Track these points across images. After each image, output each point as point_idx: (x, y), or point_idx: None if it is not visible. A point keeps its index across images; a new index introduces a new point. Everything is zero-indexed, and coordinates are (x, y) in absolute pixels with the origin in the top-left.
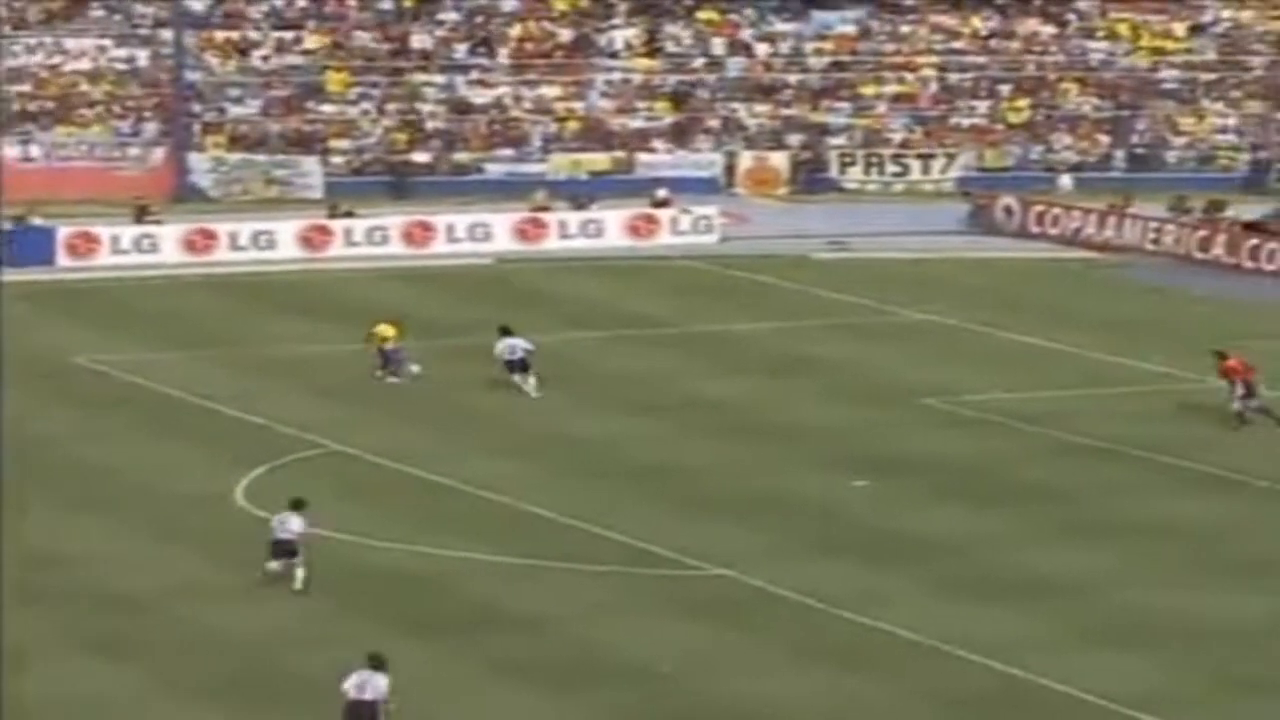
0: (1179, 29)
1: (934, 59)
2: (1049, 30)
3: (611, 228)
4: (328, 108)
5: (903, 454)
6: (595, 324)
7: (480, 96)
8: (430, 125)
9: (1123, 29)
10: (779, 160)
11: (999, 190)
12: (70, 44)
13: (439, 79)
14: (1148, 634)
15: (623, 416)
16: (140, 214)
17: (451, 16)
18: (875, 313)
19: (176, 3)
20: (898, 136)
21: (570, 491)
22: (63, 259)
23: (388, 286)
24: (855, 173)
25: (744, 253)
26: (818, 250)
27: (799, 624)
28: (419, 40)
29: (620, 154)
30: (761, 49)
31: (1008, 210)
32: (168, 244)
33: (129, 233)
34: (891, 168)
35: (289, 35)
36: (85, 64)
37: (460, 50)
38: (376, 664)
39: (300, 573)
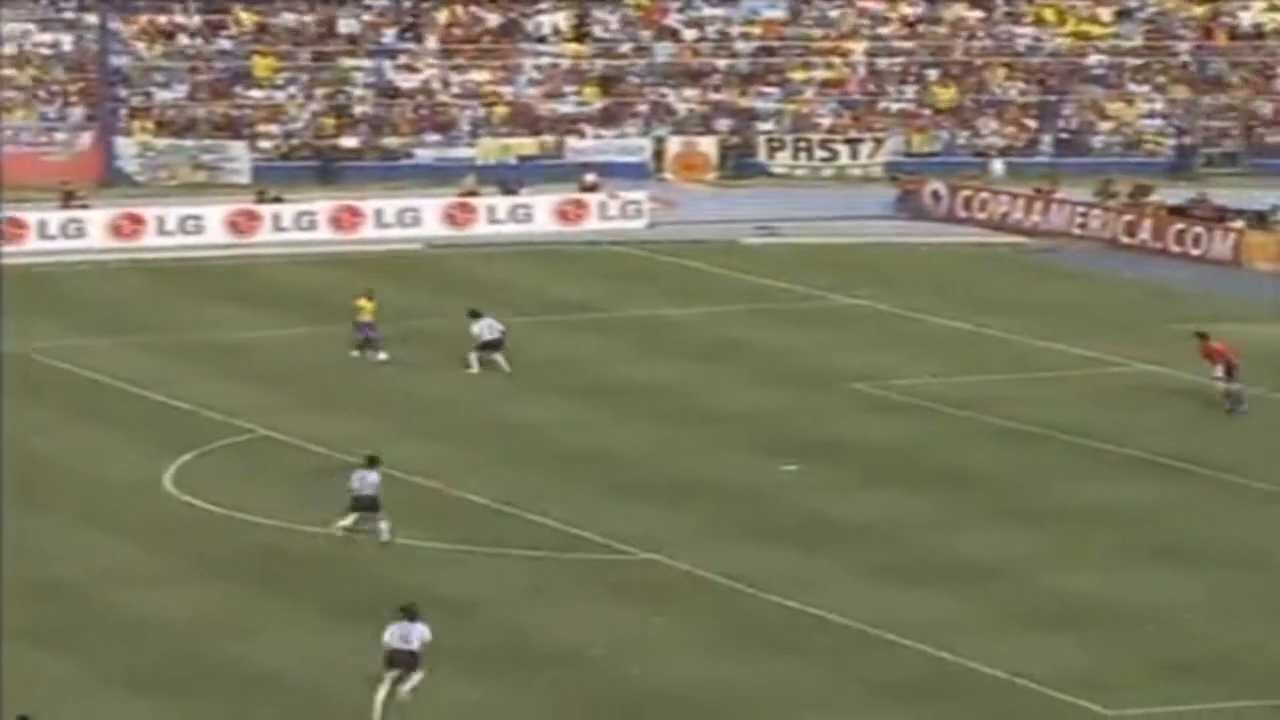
0: (1105, 14)
1: (862, 44)
2: (976, 15)
3: (540, 213)
4: (255, 93)
5: (832, 439)
6: (525, 309)
7: (408, 81)
8: (358, 110)
9: (1049, 14)
10: (708, 145)
11: (927, 175)
12: None
13: (367, 64)
14: (1076, 617)
15: (552, 401)
16: (67, 199)
17: (379, 1)
18: (804, 298)
19: None
20: (826, 121)
21: (500, 476)
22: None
23: (316, 272)
24: (784, 158)
25: (673, 238)
26: (747, 235)
27: (728, 608)
28: (346, 25)
29: (549, 139)
30: (689, 34)
31: (935, 195)
32: (95, 229)
33: (56, 218)
34: (820, 153)
35: (215, 18)
36: (10, 49)
37: (388, 35)
38: (411, 614)
39: (385, 524)
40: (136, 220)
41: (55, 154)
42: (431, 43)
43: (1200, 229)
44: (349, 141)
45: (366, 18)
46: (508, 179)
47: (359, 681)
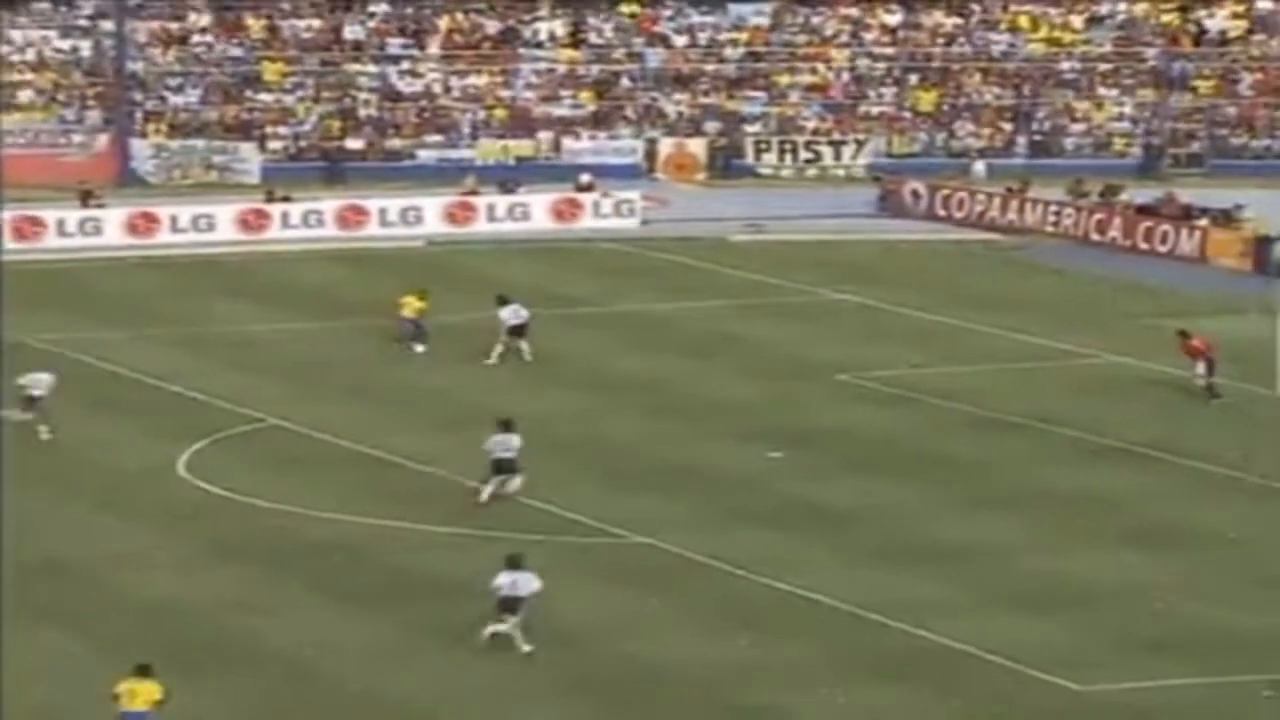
0: (1077, 21)
1: (844, 50)
2: (953, 22)
3: (537, 211)
4: (265, 96)
5: (816, 427)
6: (522, 304)
7: (411, 85)
8: (363, 113)
9: (1024, 21)
10: (697, 147)
11: (907, 175)
12: (15, 35)
13: (371, 69)
14: (1052, 598)
15: (549, 392)
16: (84, 198)
17: (383, 8)
18: (790, 293)
19: None
20: (810, 124)
21: None
22: (9, 242)
23: (322, 268)
24: (770, 158)
25: (664, 235)
26: (735, 233)
27: (718, 589)
28: (352, 31)
29: (546, 141)
30: (680, 40)
31: (915, 194)
32: (111, 227)
33: (74, 216)
34: (804, 154)
35: (229, 16)
36: (30, 54)
37: (392, 41)
38: (516, 563)
39: (518, 481)
40: (151, 218)
41: (73, 155)
42: (433, 49)
43: (1167, 227)
44: (354, 143)
45: (371, 25)
46: (506, 179)
47: (370, 663)
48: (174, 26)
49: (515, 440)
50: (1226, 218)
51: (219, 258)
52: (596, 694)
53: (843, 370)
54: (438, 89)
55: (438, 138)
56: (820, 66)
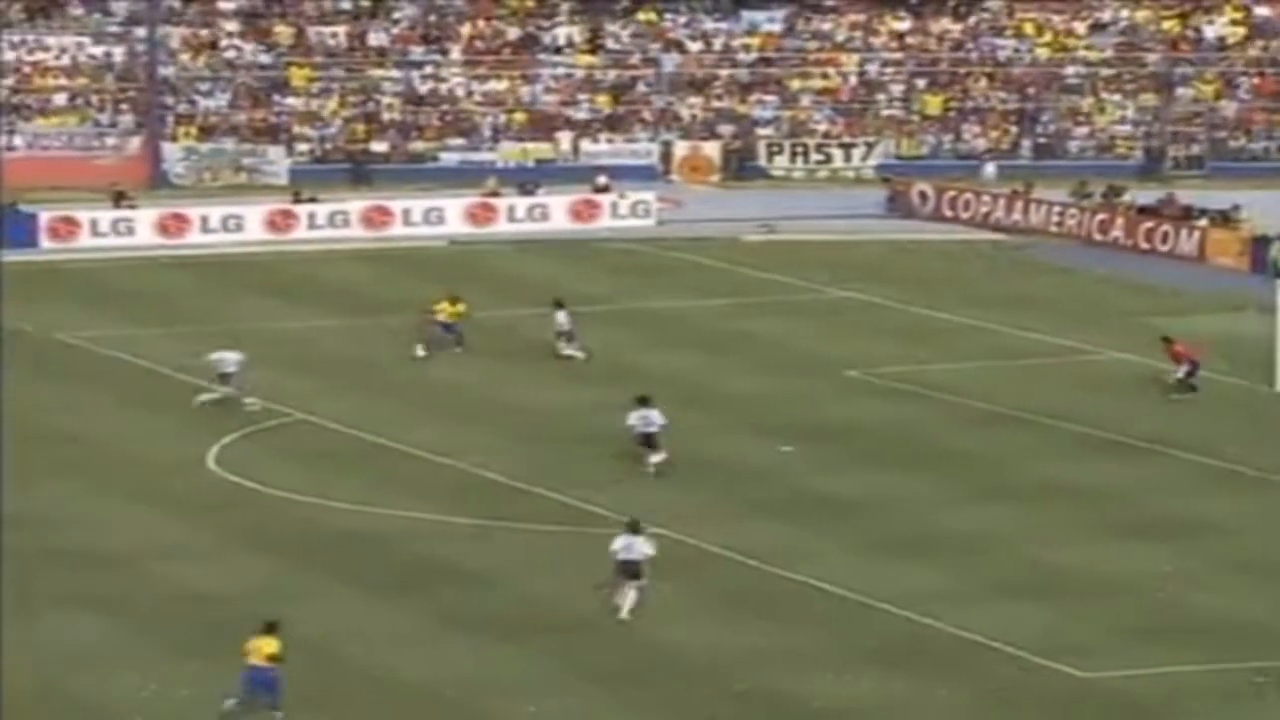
0: (1080, 27)
1: (854, 55)
2: (960, 28)
3: (556, 212)
4: (292, 100)
5: (826, 422)
6: (542, 301)
7: (434, 90)
8: (387, 117)
9: (1028, 27)
10: (711, 149)
11: (915, 177)
12: (50, 40)
13: (395, 74)
14: (1056, 587)
15: (566, 386)
16: (117, 199)
17: (407, 14)
18: (801, 291)
19: (151, 1)
20: (821, 127)
21: (518, 456)
22: (45, 242)
23: (348, 267)
24: (782, 161)
25: (679, 235)
26: (747, 233)
27: (730, 578)
28: (376, 38)
29: (564, 143)
30: (694, 46)
31: (923, 195)
32: (143, 227)
33: (107, 217)
34: (815, 156)
35: (258, 23)
36: (65, 60)
37: (416, 47)
38: (635, 528)
39: (662, 455)
40: (182, 219)
41: (106, 158)
42: (456, 54)
43: (1168, 227)
44: (379, 146)
45: (395, 31)
46: (526, 181)
47: (394, 650)
48: (204, 33)
49: (656, 415)
50: (1225, 218)
51: (248, 257)
52: (612, 680)
53: (852, 366)
54: (460, 93)
55: (460, 141)
56: (831, 71)
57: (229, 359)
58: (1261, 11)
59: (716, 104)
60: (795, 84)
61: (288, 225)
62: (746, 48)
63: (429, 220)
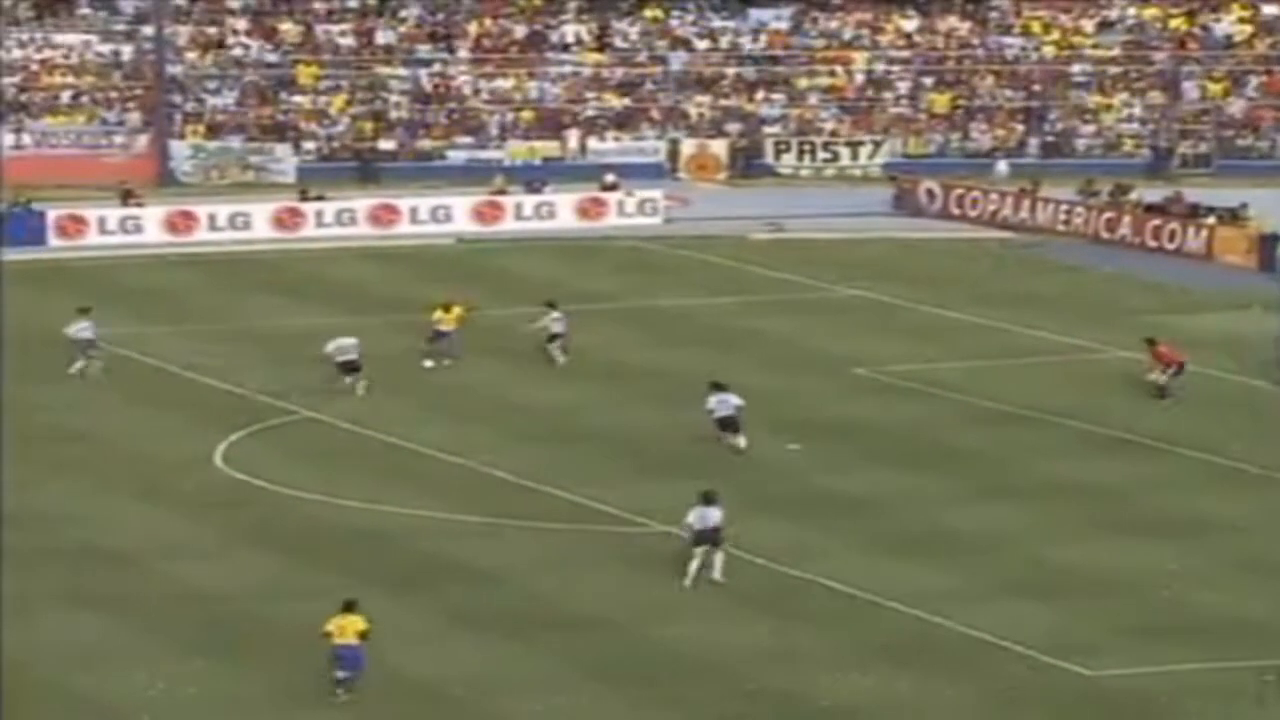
0: (1088, 25)
1: (861, 53)
2: (968, 26)
3: (564, 210)
4: (299, 99)
5: (834, 419)
6: (549, 299)
7: (441, 88)
8: (395, 115)
9: (1036, 26)
10: (719, 147)
11: (922, 175)
12: (58, 39)
13: (403, 72)
14: (1062, 585)
15: (574, 384)
16: (125, 197)
17: (414, 13)
18: (808, 289)
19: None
20: (828, 125)
21: (526, 455)
22: (53, 239)
23: (356, 265)
24: (789, 159)
25: (687, 233)
26: (755, 231)
27: (737, 575)
28: (384, 36)
29: (572, 141)
30: (702, 44)
31: (930, 194)
32: (151, 225)
33: (115, 215)
34: (822, 154)
35: (265, 21)
36: (73, 58)
37: (422, 45)
38: (710, 499)
39: (743, 439)
40: (189, 217)
41: (114, 156)
42: (463, 52)
43: (1175, 225)
44: (386, 144)
45: (402, 29)
46: (533, 178)
47: (402, 647)
48: (212, 31)
49: (732, 398)
50: (1233, 216)
51: (256, 255)
52: (620, 678)
53: (860, 364)
54: (467, 91)
55: (467, 139)
56: (838, 69)
57: (347, 344)
58: (1269, 9)
59: (724, 102)
60: (802, 82)
61: (295, 223)
62: (754, 46)
63: (436, 218)
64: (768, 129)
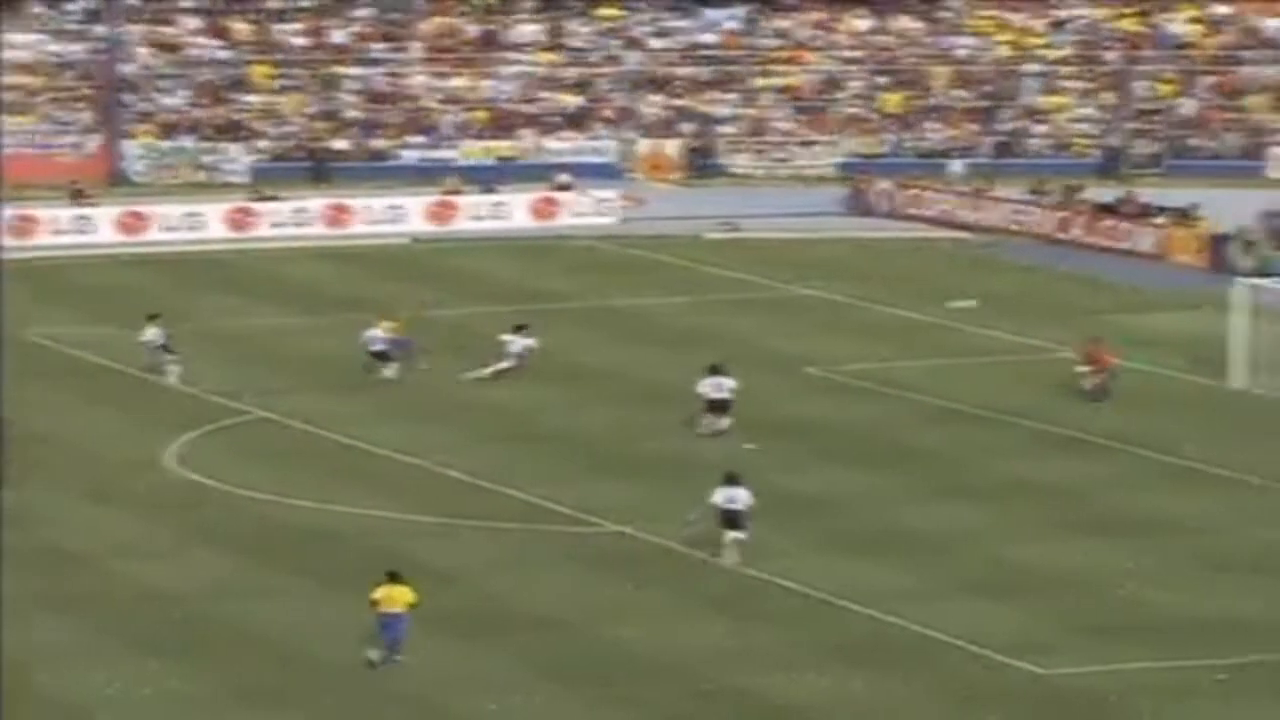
0: (1039, 25)
1: (814, 53)
2: (920, 26)
3: (517, 210)
4: (252, 98)
5: (789, 418)
6: (503, 299)
7: (395, 88)
8: (348, 115)
9: (988, 25)
10: (673, 147)
11: (876, 175)
12: (9, 38)
13: (356, 71)
14: (1016, 585)
15: (528, 385)
16: (76, 197)
17: (366, 12)
18: (763, 289)
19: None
20: (782, 125)
21: (481, 455)
22: (4, 239)
23: (309, 264)
24: (743, 159)
25: (641, 233)
26: (709, 231)
27: (690, 576)
28: (337, 35)
29: (526, 141)
30: (656, 44)
31: (883, 194)
32: (103, 225)
33: (66, 215)
34: (776, 154)
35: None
36: (25, 56)
37: (376, 45)
38: (734, 480)
39: (727, 421)
40: (141, 217)
41: (65, 155)
42: (416, 52)
43: (1127, 225)
44: (340, 143)
45: (356, 29)
46: (487, 178)
47: (357, 647)
48: (164, 30)
49: (728, 381)
50: (1184, 216)
51: (208, 255)
52: (575, 678)
53: (813, 364)
54: (421, 91)
55: (420, 138)
56: (792, 69)
57: (375, 337)
58: (1220, 10)
59: (677, 102)
60: (756, 82)
61: (248, 223)
62: (707, 46)
63: (390, 218)
64: (721, 129)
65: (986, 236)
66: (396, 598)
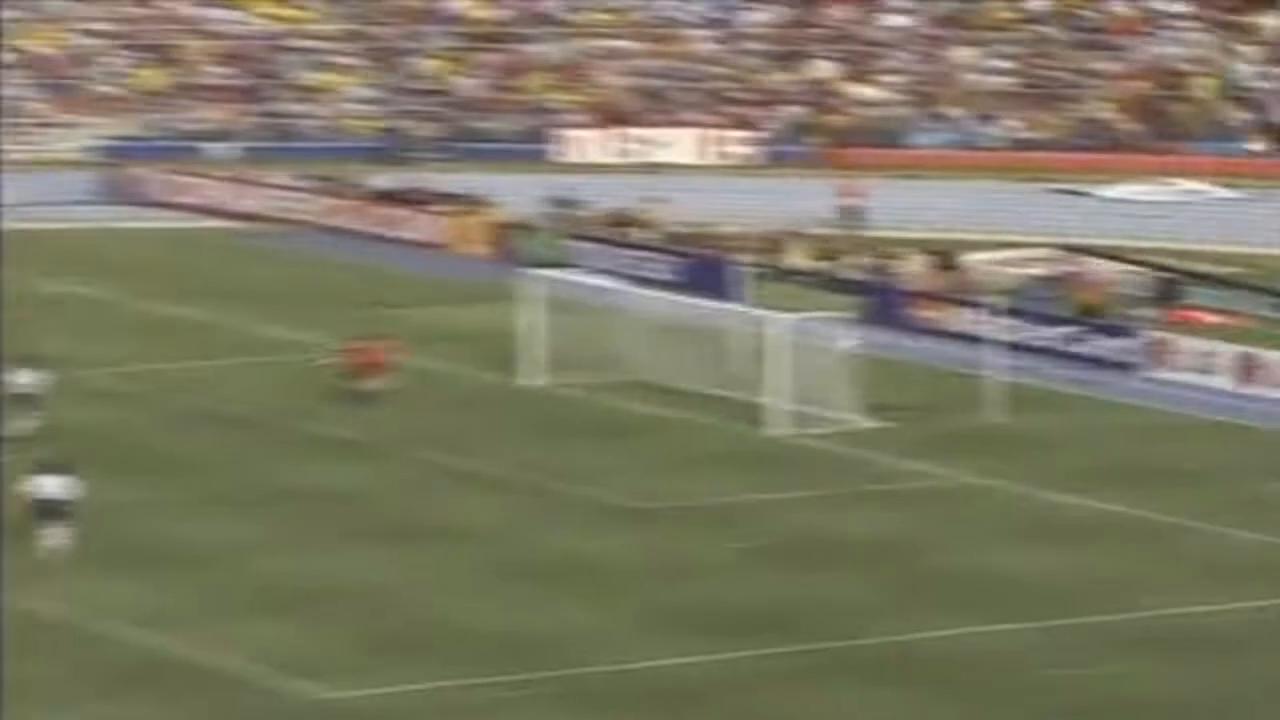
0: None
1: (55, 26)
2: None
3: None
4: None
5: (40, 425)
6: None
7: None
8: None
9: None
10: None
11: (134, 159)
12: None
13: None
14: (288, 600)
15: None
16: None
17: None
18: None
19: None
20: (28, 105)
21: None
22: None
23: None
24: None
25: None
26: None
27: None
28: None
29: None
30: None
31: (143, 180)
32: None
33: None
34: (22, 137)
35: None
36: None
37: None
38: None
39: None
40: None
41: None
42: None
43: (409, 213)
44: None
45: None
46: None
47: None
48: None
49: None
50: (469, 203)
51: None
52: None
53: (73, 367)
54: None
55: None
56: (39, 43)
57: None
58: None
59: None
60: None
61: None
62: None
63: None
64: None
65: (257, 226)
66: None
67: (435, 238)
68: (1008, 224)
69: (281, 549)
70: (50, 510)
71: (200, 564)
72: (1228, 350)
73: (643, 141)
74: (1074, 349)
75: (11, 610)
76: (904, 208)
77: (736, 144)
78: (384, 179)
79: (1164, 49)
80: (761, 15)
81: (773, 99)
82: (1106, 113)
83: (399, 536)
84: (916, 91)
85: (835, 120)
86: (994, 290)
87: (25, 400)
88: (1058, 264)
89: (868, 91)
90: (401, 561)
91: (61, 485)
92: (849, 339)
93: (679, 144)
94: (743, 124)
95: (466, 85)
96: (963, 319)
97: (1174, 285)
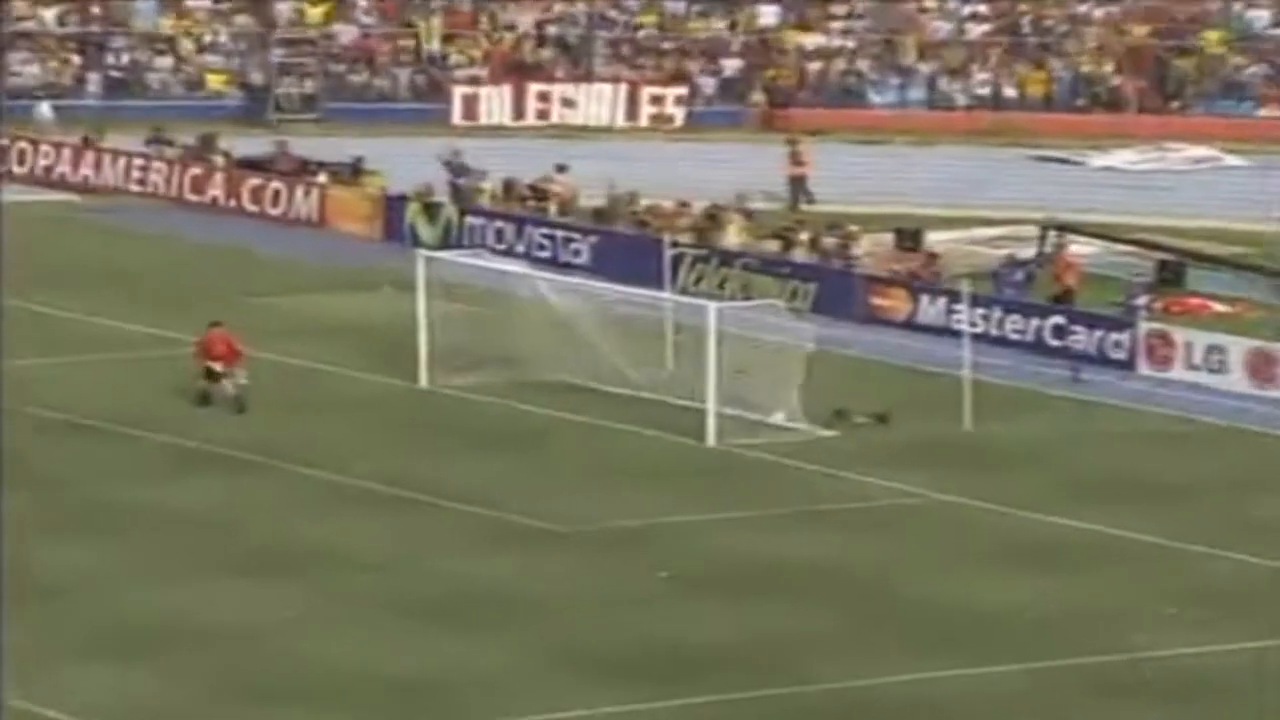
0: None
1: None
2: None
3: None
4: None
5: None
6: None
7: None
8: None
9: None
10: None
11: None
12: None
13: None
14: (146, 641)
15: None
16: None
17: None
18: None
19: None
20: None
21: None
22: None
23: None
24: None
25: None
26: None
27: None
28: None
29: None
30: None
31: None
32: None
33: None
34: None
35: None
36: None
37: None
38: None
39: None
40: None
41: None
42: None
43: (280, 184)
44: None
45: None
46: None
47: None
48: None
49: None
50: (353, 172)
51: None
52: None
53: None
54: None
55: None
56: None
57: None
58: None
59: None
60: None
61: None
62: None
63: None
64: None
65: (100, 199)
66: None
67: (309, 214)
68: (982, 197)
69: (131, 580)
70: None
71: (32, 597)
72: (1237, 344)
73: (555, 100)
74: (1057, 343)
75: None
76: (862, 178)
77: (665, 104)
78: (249, 144)
79: None
80: None
81: (708, 50)
82: (1098, 67)
83: (267, 566)
84: (876, 41)
85: (781, 76)
86: (965, 275)
87: None
88: (1040, 244)
89: (818, 41)
90: (271, 595)
91: None
92: (797, 332)
93: (597, 103)
94: (672, 80)
95: (345, 32)
96: (929, 308)
97: (1175, 269)
